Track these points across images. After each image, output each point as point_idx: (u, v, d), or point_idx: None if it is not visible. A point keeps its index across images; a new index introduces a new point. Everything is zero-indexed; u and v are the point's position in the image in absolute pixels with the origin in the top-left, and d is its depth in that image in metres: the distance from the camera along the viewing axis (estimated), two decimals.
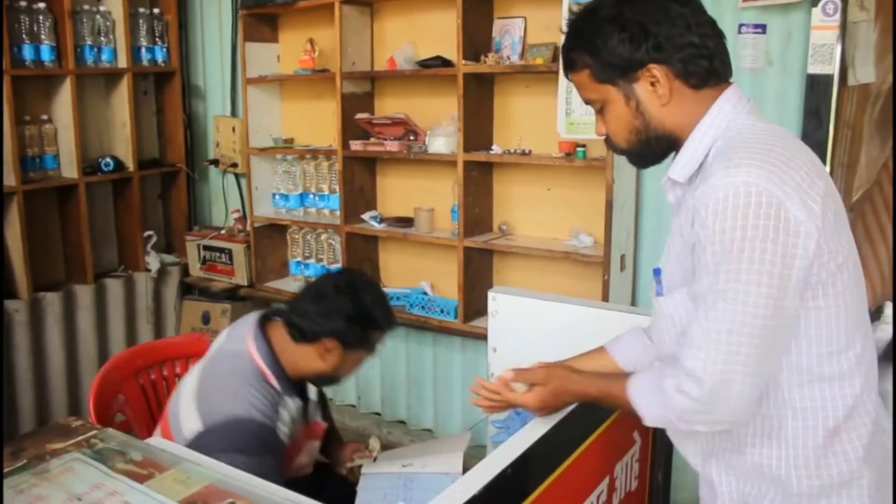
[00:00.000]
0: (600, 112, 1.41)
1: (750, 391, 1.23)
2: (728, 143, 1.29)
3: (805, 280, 1.22)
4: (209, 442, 1.77)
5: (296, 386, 1.97)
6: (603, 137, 1.45)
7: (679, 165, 1.36)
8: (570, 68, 1.41)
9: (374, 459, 2.14)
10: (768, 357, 1.24)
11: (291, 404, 1.95)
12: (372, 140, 3.62)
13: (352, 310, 1.92)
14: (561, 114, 2.92)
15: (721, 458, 1.42)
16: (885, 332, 2.66)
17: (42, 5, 3.50)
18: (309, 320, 1.92)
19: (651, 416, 1.37)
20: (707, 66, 1.32)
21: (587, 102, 1.42)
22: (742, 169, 1.19)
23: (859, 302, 1.32)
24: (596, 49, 1.33)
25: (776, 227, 1.18)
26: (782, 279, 1.19)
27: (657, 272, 1.42)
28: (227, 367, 1.92)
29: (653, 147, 1.39)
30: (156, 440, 1.41)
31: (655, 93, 1.33)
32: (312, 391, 2.09)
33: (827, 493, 1.31)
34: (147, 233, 4.09)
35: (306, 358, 1.95)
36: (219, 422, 1.81)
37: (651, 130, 1.36)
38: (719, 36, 1.35)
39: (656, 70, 1.31)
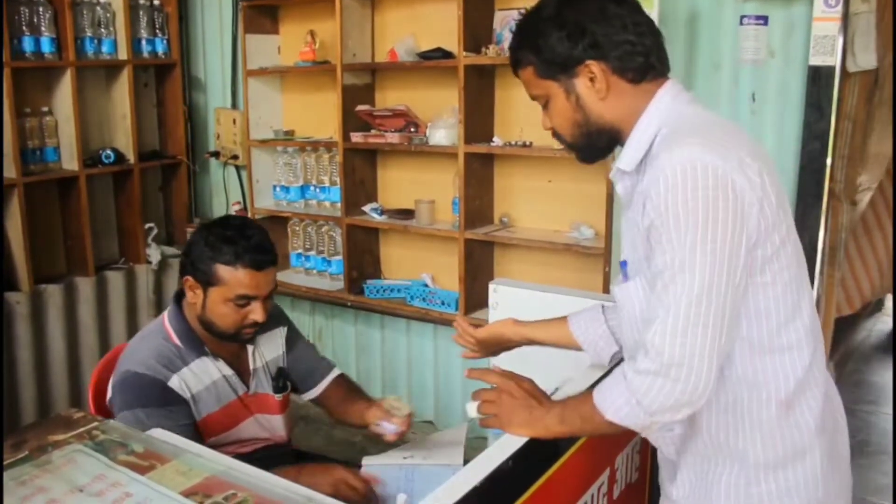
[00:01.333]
0: (545, 107, 1.48)
1: (709, 364, 1.23)
2: (671, 129, 1.34)
3: (751, 252, 1.26)
4: (113, 402, 1.89)
5: (214, 352, 1.99)
6: (549, 131, 1.52)
7: (626, 156, 1.42)
8: (516, 66, 1.48)
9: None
10: (727, 328, 1.24)
11: (210, 366, 1.97)
12: (373, 132, 3.62)
13: (199, 246, 1.92)
14: None
15: (682, 441, 1.46)
16: (885, 323, 2.67)
17: None
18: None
19: (614, 409, 1.32)
20: (643, 62, 1.38)
21: (533, 98, 1.50)
22: (685, 148, 1.25)
23: (802, 276, 1.37)
24: (538, 47, 1.40)
25: (725, 197, 1.21)
26: (734, 247, 1.22)
27: (624, 264, 1.47)
28: (140, 334, 2.04)
29: (594, 140, 1.46)
30: (157, 432, 1.41)
31: (593, 88, 1.39)
32: (260, 359, 2.09)
33: (783, 464, 1.36)
34: (148, 225, 4.09)
35: (190, 308, 1.98)
36: (116, 381, 1.90)
37: (591, 124, 1.43)
38: (656, 34, 1.41)
39: (594, 66, 1.37)
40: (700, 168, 1.21)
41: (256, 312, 1.93)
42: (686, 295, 1.21)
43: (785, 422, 1.35)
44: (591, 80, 1.38)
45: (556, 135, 1.50)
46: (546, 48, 1.39)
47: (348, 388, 2.24)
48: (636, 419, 1.30)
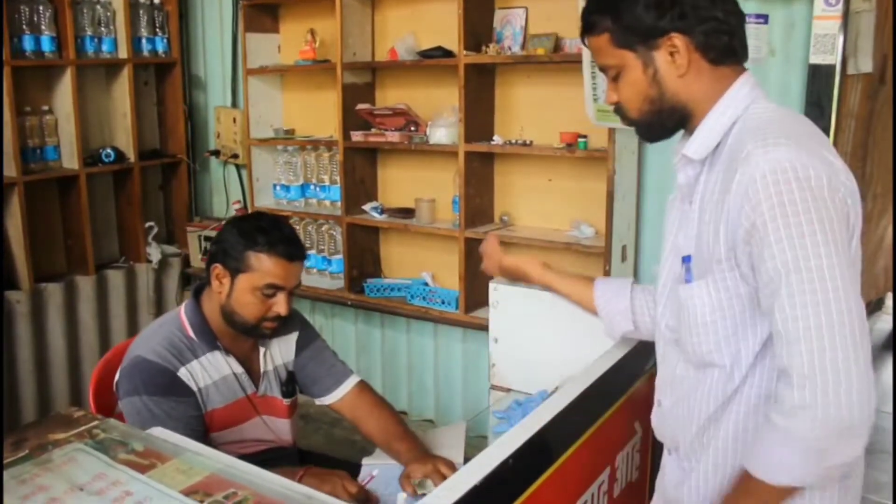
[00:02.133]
0: (614, 79, 1.39)
1: (867, 377, 1.11)
2: (753, 124, 1.28)
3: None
4: (120, 386, 1.89)
5: (226, 348, 1.99)
6: (613, 106, 1.43)
7: (695, 143, 1.35)
8: (589, 31, 1.38)
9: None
10: (866, 333, 1.15)
11: (221, 361, 1.97)
12: (373, 131, 3.62)
13: (233, 234, 1.94)
14: (589, 101, 2.84)
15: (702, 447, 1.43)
16: (885, 322, 2.66)
17: None
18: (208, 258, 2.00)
19: (787, 470, 1.18)
20: (727, 42, 1.33)
21: (602, 68, 1.41)
22: (781, 147, 1.18)
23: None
24: (619, 13, 1.32)
25: (830, 197, 1.16)
26: (846, 246, 1.17)
27: (687, 259, 1.38)
28: (155, 323, 2.04)
29: (664, 119, 1.38)
30: (157, 430, 1.41)
31: (674, 63, 1.32)
32: (270, 363, 2.09)
33: (830, 483, 1.31)
34: (148, 224, 4.09)
35: (212, 300, 1.98)
36: (125, 365, 1.91)
37: (665, 101, 1.35)
38: (740, 15, 1.36)
39: (678, 39, 1.30)
40: (801, 169, 1.16)
41: (280, 305, 1.93)
42: (820, 302, 1.13)
43: None
44: (672, 54, 1.31)
45: (619, 110, 1.42)
46: (629, 15, 1.31)
47: (376, 404, 2.15)
48: (812, 469, 1.17)
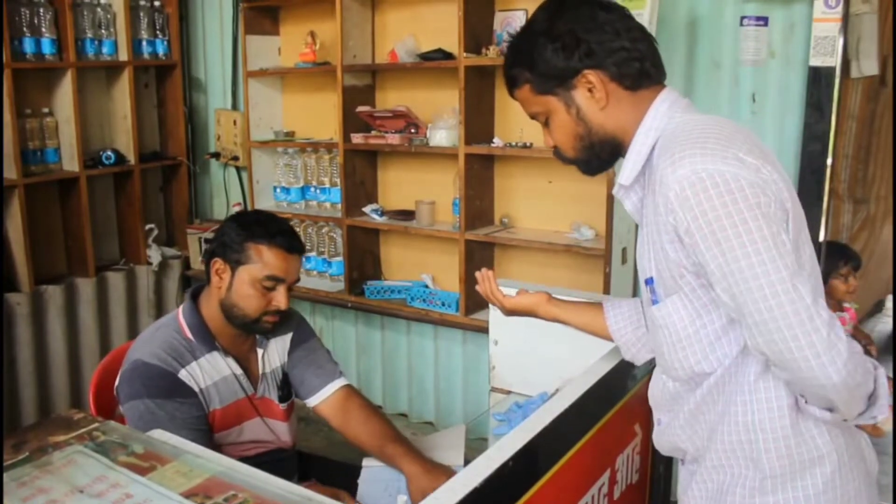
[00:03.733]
0: (546, 124, 1.45)
1: (829, 342, 1.16)
2: (667, 141, 1.31)
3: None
4: (120, 391, 1.90)
5: (225, 349, 1.99)
6: (552, 149, 1.49)
7: (626, 170, 1.40)
8: (512, 86, 1.46)
9: None
10: (813, 301, 1.17)
11: (220, 362, 1.97)
12: (373, 133, 3.62)
13: (232, 228, 1.96)
14: None
15: (696, 452, 1.45)
16: (885, 324, 2.67)
17: None
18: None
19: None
20: (639, 68, 1.37)
21: (532, 117, 1.47)
22: (686, 160, 1.22)
23: (817, 280, 1.33)
24: (533, 62, 1.39)
25: (749, 195, 1.18)
26: (775, 236, 1.18)
27: (650, 282, 1.41)
28: (152, 326, 2.04)
29: (598, 152, 1.43)
30: (157, 433, 1.41)
31: (593, 97, 1.37)
32: (268, 365, 2.08)
33: (799, 472, 1.34)
34: (148, 226, 4.09)
35: (212, 295, 1.99)
36: (125, 370, 1.91)
37: (594, 135, 1.41)
38: (649, 39, 1.40)
39: (591, 75, 1.36)
40: (707, 177, 1.19)
41: (280, 298, 1.94)
42: (767, 296, 1.17)
43: (798, 429, 1.32)
44: (590, 89, 1.37)
45: (557, 152, 1.48)
46: (541, 62, 1.38)
47: (363, 407, 2.12)
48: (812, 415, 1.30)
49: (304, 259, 2.09)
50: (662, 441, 1.55)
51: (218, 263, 1.95)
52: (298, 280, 2.01)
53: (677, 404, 1.46)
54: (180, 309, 2.03)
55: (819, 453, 1.33)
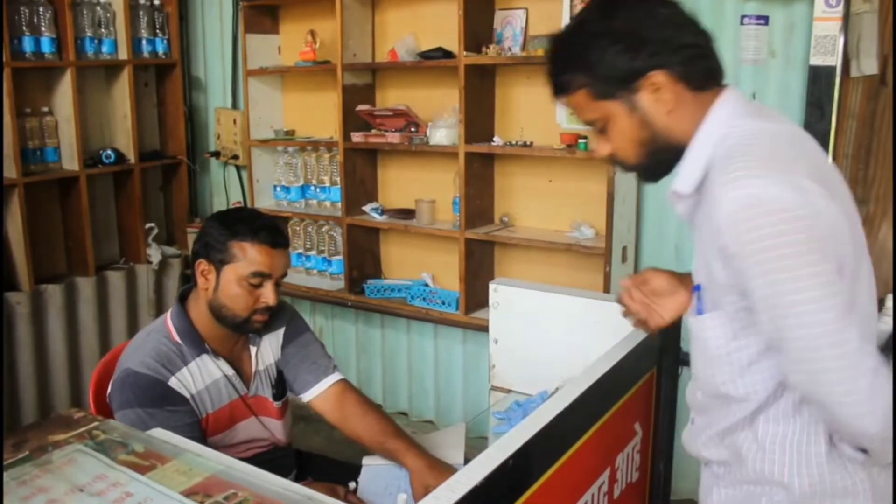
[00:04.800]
0: (602, 131, 1.35)
1: (871, 390, 1.12)
2: (726, 152, 1.24)
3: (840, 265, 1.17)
4: (113, 400, 1.88)
5: (215, 350, 1.97)
6: (607, 157, 1.39)
7: (682, 177, 1.32)
8: (563, 92, 1.35)
9: None
10: (860, 338, 1.13)
11: (210, 365, 1.96)
12: (373, 132, 3.62)
13: (214, 227, 1.94)
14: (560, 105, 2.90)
15: (725, 465, 1.42)
16: (885, 324, 2.66)
17: None
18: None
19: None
20: (706, 66, 1.30)
21: (587, 123, 1.37)
22: (742, 181, 1.15)
23: (872, 313, 1.27)
24: (591, 66, 1.29)
25: (792, 230, 1.12)
26: (831, 274, 1.13)
27: (698, 288, 1.35)
28: (141, 333, 2.02)
29: (661, 158, 1.34)
30: (157, 431, 1.41)
31: (660, 100, 1.28)
32: (261, 362, 2.07)
33: (830, 496, 1.30)
34: (148, 225, 4.09)
35: (199, 297, 1.98)
36: (116, 379, 1.89)
37: (659, 140, 1.32)
38: (707, 35, 1.32)
39: (658, 76, 1.27)
40: (761, 203, 1.13)
41: (268, 294, 1.92)
42: (808, 336, 1.13)
43: (833, 455, 1.28)
44: (657, 91, 1.28)
45: (615, 159, 1.38)
46: (601, 65, 1.27)
47: (360, 403, 2.09)
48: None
49: (291, 252, 2.06)
50: (690, 442, 1.52)
51: (203, 264, 1.94)
52: (286, 275, 2.00)
53: (707, 415, 1.43)
54: (168, 313, 2.01)
55: (852, 481, 1.29)
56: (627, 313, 1.60)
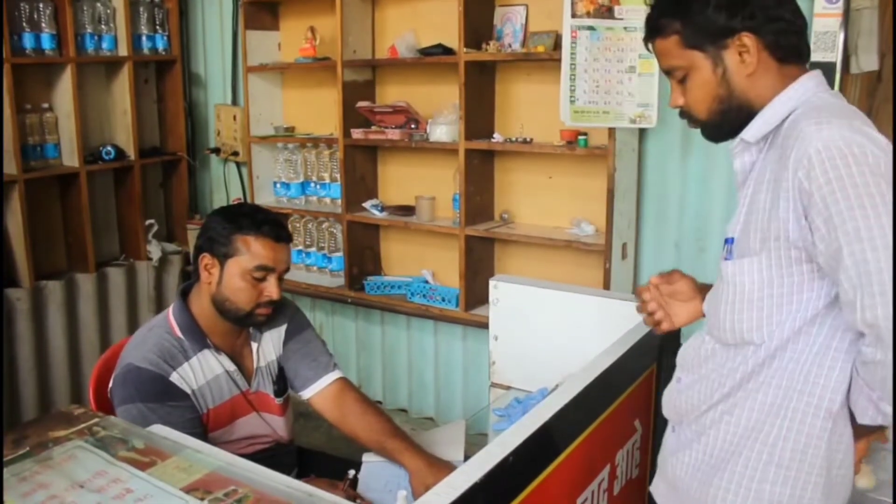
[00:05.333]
0: (682, 81, 1.41)
1: None
2: (810, 108, 1.30)
3: None
4: (114, 395, 1.89)
5: (217, 346, 1.98)
6: (677, 109, 1.45)
7: (754, 127, 1.37)
8: (657, 33, 1.41)
9: None
10: None
11: (212, 360, 1.96)
12: (373, 128, 3.61)
13: (218, 221, 1.96)
14: (564, 101, 2.89)
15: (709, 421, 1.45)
16: None
17: None
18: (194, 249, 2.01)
19: (860, 411, 1.29)
20: (794, 42, 1.36)
21: (668, 70, 1.43)
22: (834, 125, 1.21)
23: None
24: (691, 14, 1.35)
25: (884, 172, 1.18)
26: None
27: (730, 241, 1.40)
28: (143, 328, 2.02)
29: (732, 118, 1.40)
30: (158, 428, 1.41)
31: (743, 62, 1.35)
32: (263, 359, 2.08)
33: (808, 474, 1.34)
34: (148, 221, 4.09)
35: (202, 291, 1.98)
36: (118, 374, 1.90)
37: (734, 100, 1.37)
38: (803, 17, 1.38)
39: (748, 39, 1.33)
40: (855, 146, 1.18)
41: (272, 288, 1.93)
42: (884, 267, 1.15)
43: (825, 434, 1.32)
44: (742, 53, 1.34)
45: (685, 113, 1.44)
46: (701, 16, 1.34)
47: (359, 401, 2.09)
48: (881, 419, 1.26)
49: (291, 248, 2.07)
50: (671, 400, 1.54)
51: (206, 258, 1.95)
52: (288, 269, 2.01)
53: (706, 367, 1.44)
54: (170, 308, 2.01)
55: (829, 463, 1.33)
56: (643, 309, 1.62)
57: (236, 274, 1.91)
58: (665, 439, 1.59)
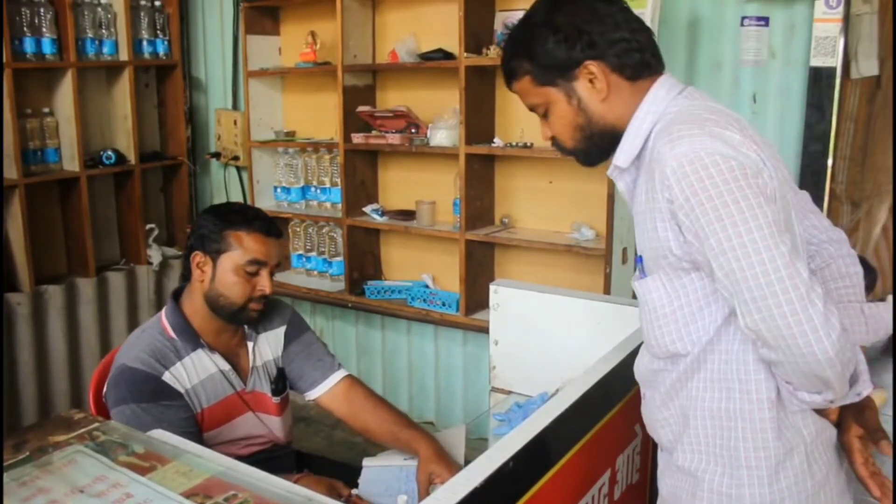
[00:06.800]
0: (545, 116, 1.46)
1: (819, 318, 1.15)
2: (667, 122, 1.33)
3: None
4: (108, 397, 1.90)
5: (210, 345, 1.99)
6: (549, 141, 1.50)
7: (622, 152, 1.41)
8: (512, 77, 1.46)
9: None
10: (807, 280, 1.17)
11: (205, 360, 1.97)
12: (373, 133, 3.62)
13: (209, 219, 1.98)
14: None
15: (675, 435, 1.45)
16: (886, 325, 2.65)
17: None
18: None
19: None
20: (640, 59, 1.39)
21: (531, 109, 1.48)
22: (684, 139, 1.23)
23: (804, 252, 1.35)
24: (534, 54, 1.40)
25: (740, 175, 1.19)
26: (777, 215, 1.20)
27: (640, 259, 1.44)
28: (136, 330, 2.04)
29: (597, 143, 1.44)
30: (157, 432, 1.41)
31: (594, 88, 1.39)
32: (259, 358, 2.08)
33: (776, 467, 1.35)
34: (149, 226, 4.09)
35: (194, 291, 1.99)
36: (112, 375, 1.91)
37: (594, 125, 1.42)
38: (647, 31, 1.42)
39: (593, 66, 1.37)
40: (705, 156, 1.20)
41: (264, 282, 1.96)
42: (749, 275, 1.18)
43: (775, 423, 1.33)
44: (592, 80, 1.38)
45: (555, 143, 1.49)
46: (542, 53, 1.39)
47: (369, 396, 2.12)
48: (806, 406, 1.30)
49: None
50: (645, 415, 1.56)
51: (198, 256, 1.96)
52: (280, 264, 2.06)
53: (657, 381, 1.47)
54: (163, 310, 2.03)
55: (791, 445, 1.35)
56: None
57: (229, 269, 1.94)
58: (658, 459, 1.59)
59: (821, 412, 1.38)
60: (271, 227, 2.00)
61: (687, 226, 1.24)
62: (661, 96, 1.38)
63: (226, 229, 1.94)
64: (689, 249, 1.28)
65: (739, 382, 1.34)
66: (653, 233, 1.33)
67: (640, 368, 1.54)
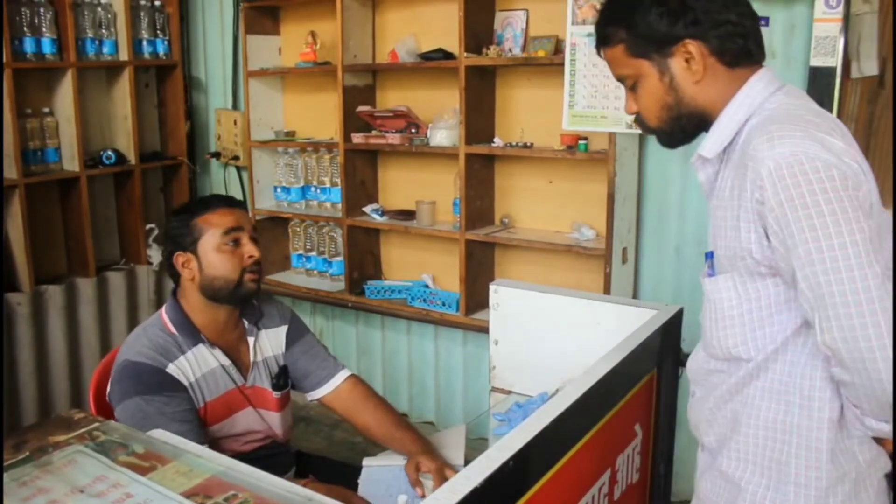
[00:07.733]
0: (632, 89, 1.40)
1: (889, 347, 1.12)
2: (764, 118, 1.28)
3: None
4: (112, 395, 1.91)
5: (211, 341, 2.01)
6: (633, 116, 1.44)
7: (710, 141, 1.36)
8: (603, 43, 1.40)
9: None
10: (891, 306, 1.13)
11: (206, 354, 1.99)
12: (373, 133, 3.62)
13: (174, 220, 2.04)
14: (565, 105, 2.91)
15: (721, 439, 1.43)
16: None
17: None
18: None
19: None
20: (742, 45, 1.33)
21: (619, 79, 1.42)
22: (785, 140, 1.18)
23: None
24: (633, 23, 1.33)
25: (840, 185, 1.15)
26: (863, 225, 1.15)
27: (709, 255, 1.40)
28: (138, 328, 2.07)
29: (683, 125, 1.39)
30: (157, 432, 1.41)
31: (689, 69, 1.33)
32: (260, 354, 2.10)
33: (826, 488, 1.31)
34: (149, 226, 4.09)
35: (188, 291, 2.02)
36: (114, 371, 1.94)
37: (683, 107, 1.36)
38: (755, 17, 1.35)
39: (692, 46, 1.31)
40: (806, 161, 1.15)
41: (249, 247, 2.00)
42: (836, 290, 1.13)
43: (832, 445, 1.29)
44: (688, 60, 1.32)
45: (638, 119, 1.43)
46: (643, 24, 1.32)
47: (370, 395, 2.16)
48: (871, 433, 1.26)
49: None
50: (691, 414, 1.54)
51: (180, 257, 2.00)
52: (255, 230, 2.08)
53: (711, 382, 1.44)
54: (163, 307, 2.06)
55: (844, 471, 1.31)
56: None
57: (211, 250, 1.97)
58: (698, 458, 1.57)
59: (878, 440, 1.33)
60: (231, 199, 2.07)
61: (774, 230, 1.20)
62: (759, 89, 1.33)
63: (192, 219, 1.99)
64: (771, 255, 1.24)
65: (801, 397, 1.30)
66: (733, 231, 1.28)
67: (694, 366, 1.51)
